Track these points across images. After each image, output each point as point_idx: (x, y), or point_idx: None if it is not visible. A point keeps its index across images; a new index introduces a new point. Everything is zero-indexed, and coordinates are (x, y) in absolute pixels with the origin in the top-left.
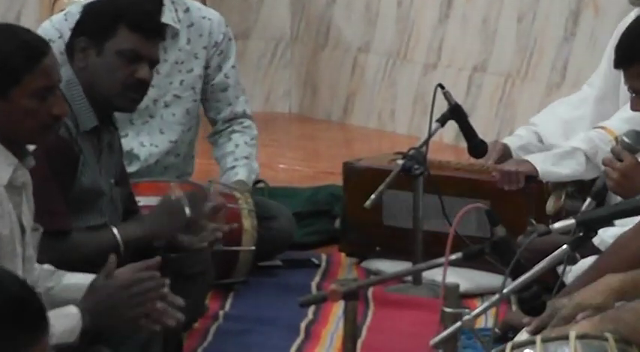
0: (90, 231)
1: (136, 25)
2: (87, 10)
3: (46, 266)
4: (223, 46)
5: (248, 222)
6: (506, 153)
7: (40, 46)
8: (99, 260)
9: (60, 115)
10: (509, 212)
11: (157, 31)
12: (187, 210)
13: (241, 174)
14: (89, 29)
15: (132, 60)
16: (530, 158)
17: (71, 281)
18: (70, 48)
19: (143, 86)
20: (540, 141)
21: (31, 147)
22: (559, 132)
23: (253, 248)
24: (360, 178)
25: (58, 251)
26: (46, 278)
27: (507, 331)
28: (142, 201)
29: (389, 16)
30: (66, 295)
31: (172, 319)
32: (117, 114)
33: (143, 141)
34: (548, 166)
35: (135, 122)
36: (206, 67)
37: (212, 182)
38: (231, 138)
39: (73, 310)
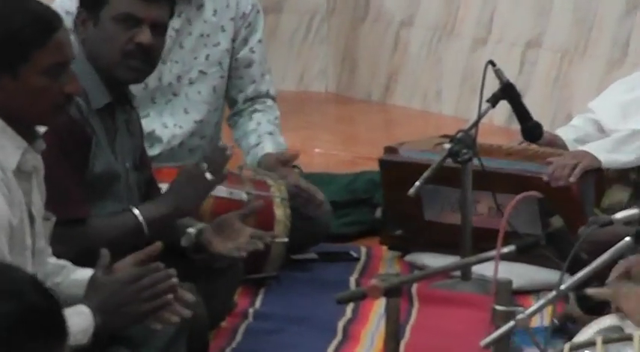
0: (108, 216)
1: None
2: None
3: (62, 261)
4: (251, 17)
5: (281, 212)
6: (558, 146)
7: (52, 19)
8: (123, 246)
9: (73, 94)
10: (566, 204)
11: None
12: (209, 175)
13: (268, 147)
14: (87, 1)
15: (129, 25)
16: (587, 147)
17: (80, 277)
18: (74, 22)
19: (146, 52)
20: (601, 130)
21: (42, 129)
22: (618, 117)
23: (286, 240)
24: (397, 172)
25: (77, 241)
26: (57, 273)
27: (566, 322)
28: (165, 188)
29: None
30: (71, 291)
31: (177, 316)
32: (137, 93)
33: (166, 122)
34: (607, 154)
35: (157, 101)
36: (233, 40)
37: (242, 167)
38: (252, 117)
39: (84, 309)
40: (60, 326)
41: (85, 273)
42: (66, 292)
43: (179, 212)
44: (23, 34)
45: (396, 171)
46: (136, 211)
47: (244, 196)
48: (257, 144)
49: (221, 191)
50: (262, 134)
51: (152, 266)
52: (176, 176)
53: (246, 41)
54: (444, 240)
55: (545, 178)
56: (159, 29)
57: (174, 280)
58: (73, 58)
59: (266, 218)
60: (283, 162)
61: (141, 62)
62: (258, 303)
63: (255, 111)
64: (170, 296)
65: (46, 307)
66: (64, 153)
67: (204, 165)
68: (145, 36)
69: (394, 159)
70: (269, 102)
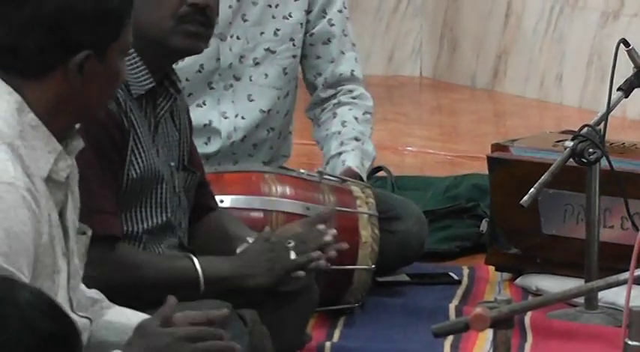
0: (163, 256)
1: None
2: None
3: (93, 291)
4: None
5: (367, 232)
6: None
7: None
8: (168, 292)
9: (122, 80)
10: None
11: None
12: (293, 255)
13: (350, 160)
14: None
15: None
16: None
17: (115, 319)
18: None
19: (203, 12)
20: None
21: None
22: None
23: (373, 266)
24: (509, 172)
25: (108, 264)
26: (86, 307)
27: None
28: (226, 200)
29: None
30: (105, 335)
31: None
32: (190, 77)
33: (226, 112)
34: None
35: (214, 86)
36: (308, 12)
37: (322, 173)
38: (336, 113)
39: None
40: None
41: (124, 315)
42: (97, 335)
43: (243, 283)
44: (118, 7)
45: (507, 172)
46: (197, 262)
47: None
48: (339, 155)
49: (296, 206)
50: (346, 140)
51: (215, 331)
52: (256, 242)
53: (323, 12)
54: (565, 258)
55: None
56: None
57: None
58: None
59: (349, 238)
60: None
61: (200, 25)
62: (336, 336)
63: (340, 104)
64: None
65: (57, 336)
66: (98, 155)
67: (292, 244)
68: None
69: (506, 158)
70: (357, 89)
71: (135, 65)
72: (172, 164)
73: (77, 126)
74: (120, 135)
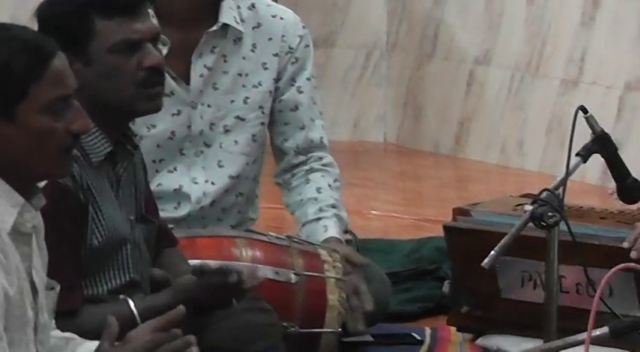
0: (101, 307)
1: (111, 6)
2: (46, 18)
3: (68, 334)
4: (299, 52)
5: (334, 296)
6: None
7: (45, 45)
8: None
9: (81, 132)
10: None
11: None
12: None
13: (332, 229)
14: (63, 39)
15: (130, 50)
16: None
17: (84, 351)
18: None
19: (160, 74)
20: None
21: (41, 184)
22: None
23: (339, 330)
24: (467, 241)
25: (69, 331)
26: (61, 347)
27: None
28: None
29: (516, 17)
30: None
31: None
32: (162, 144)
33: (196, 178)
34: None
35: (185, 152)
36: (277, 80)
37: (290, 237)
38: (309, 179)
39: None
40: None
41: (91, 347)
42: None
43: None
44: (15, 66)
45: (464, 239)
46: (131, 303)
47: (292, 277)
48: (317, 220)
49: (265, 270)
50: (325, 207)
51: (168, 334)
52: (193, 283)
53: (292, 80)
54: (524, 320)
55: (625, 245)
56: (157, 39)
57: (195, 349)
58: (76, 88)
59: (317, 302)
60: (352, 264)
61: (159, 85)
62: None
63: (312, 170)
64: None
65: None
66: (55, 230)
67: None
68: (153, 56)
69: (461, 227)
70: (327, 157)
71: (90, 133)
72: (132, 218)
73: (41, 184)
74: (77, 210)
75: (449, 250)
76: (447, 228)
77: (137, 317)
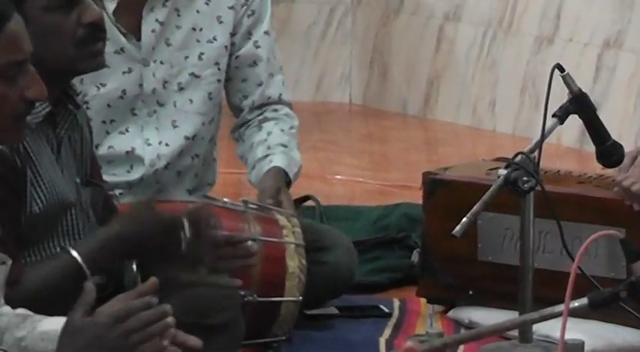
0: (42, 263)
1: None
2: None
3: (21, 310)
4: (255, 4)
5: (294, 263)
6: None
7: (1, 7)
8: (68, 293)
9: (36, 99)
10: None
11: None
12: (187, 232)
13: (277, 160)
14: None
15: (67, 7)
16: None
17: (49, 328)
18: None
19: (100, 29)
20: None
21: None
22: None
23: (300, 298)
24: (447, 195)
25: (16, 303)
26: (17, 325)
27: None
28: None
29: None
30: (42, 346)
31: None
32: (112, 103)
33: (149, 139)
34: None
35: (137, 112)
36: (232, 34)
37: (247, 201)
38: (261, 126)
39: None
40: None
41: (56, 322)
42: (35, 348)
43: (127, 241)
44: None
45: (447, 195)
46: (74, 252)
47: (249, 243)
48: (265, 157)
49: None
50: (273, 145)
51: (140, 301)
52: (131, 206)
53: (249, 34)
54: (500, 288)
55: (618, 178)
56: None
57: (170, 319)
58: (31, 52)
59: (276, 269)
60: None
61: (101, 42)
62: None
63: (266, 119)
64: (165, 342)
65: None
66: None
67: (185, 221)
68: (92, 11)
69: (442, 177)
70: (283, 109)
71: None
72: (77, 181)
73: None
74: (13, 176)
75: (425, 207)
76: (429, 180)
77: (83, 266)
